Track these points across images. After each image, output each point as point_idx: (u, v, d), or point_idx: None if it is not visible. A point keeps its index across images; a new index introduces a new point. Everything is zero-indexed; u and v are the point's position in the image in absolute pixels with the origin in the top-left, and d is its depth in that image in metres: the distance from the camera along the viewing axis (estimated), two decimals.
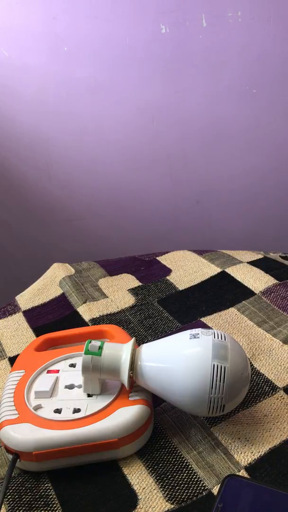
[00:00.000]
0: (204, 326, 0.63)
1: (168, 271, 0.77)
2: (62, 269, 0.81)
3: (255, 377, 0.54)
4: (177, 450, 0.47)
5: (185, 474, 0.45)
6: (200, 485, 0.44)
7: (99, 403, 0.48)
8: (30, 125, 1.41)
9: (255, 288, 0.69)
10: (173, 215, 1.58)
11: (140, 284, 0.75)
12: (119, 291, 0.73)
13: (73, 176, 1.50)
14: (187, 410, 0.47)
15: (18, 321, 0.70)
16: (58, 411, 0.48)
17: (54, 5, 1.27)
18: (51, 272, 0.81)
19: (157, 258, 0.82)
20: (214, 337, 0.46)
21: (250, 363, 0.56)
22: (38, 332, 0.67)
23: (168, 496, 0.43)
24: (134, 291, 0.73)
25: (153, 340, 0.60)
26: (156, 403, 0.52)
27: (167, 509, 0.42)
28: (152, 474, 0.45)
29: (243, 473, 0.44)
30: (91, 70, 1.34)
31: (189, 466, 0.46)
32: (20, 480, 0.46)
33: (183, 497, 0.43)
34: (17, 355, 0.62)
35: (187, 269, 0.77)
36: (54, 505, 0.44)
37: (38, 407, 0.48)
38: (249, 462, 0.45)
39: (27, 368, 0.53)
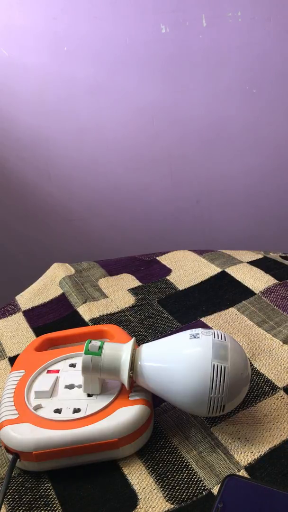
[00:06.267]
0: (204, 326, 0.63)
1: (168, 271, 0.77)
2: (62, 269, 0.81)
3: (255, 377, 0.54)
4: (177, 450, 0.47)
5: (185, 474, 0.45)
6: (200, 485, 0.44)
7: (99, 403, 0.48)
8: (30, 125, 1.41)
9: (255, 288, 0.69)
10: (173, 215, 1.58)
11: (140, 284, 0.75)
12: (119, 291, 0.73)
13: (73, 176, 1.50)
14: (187, 410, 0.47)
15: (18, 321, 0.70)
16: (58, 411, 0.48)
17: (54, 5, 1.27)
18: (51, 272, 0.81)
19: (157, 258, 0.82)
20: (214, 337, 0.46)
21: (250, 363, 0.56)
22: (38, 332, 0.67)
23: (168, 496, 0.43)
24: (134, 291, 0.73)
25: (153, 340, 0.60)
26: (156, 403, 0.52)
27: (167, 509, 0.42)
28: (152, 474, 0.45)
29: (243, 473, 0.44)
30: (91, 70, 1.34)
31: (189, 466, 0.46)
32: (20, 480, 0.46)
33: (183, 497, 0.43)
34: (17, 355, 0.62)
35: (187, 269, 0.77)
36: (54, 505, 0.44)
37: (38, 407, 0.48)
38: (249, 462, 0.45)
39: (27, 368, 0.53)
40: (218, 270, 0.75)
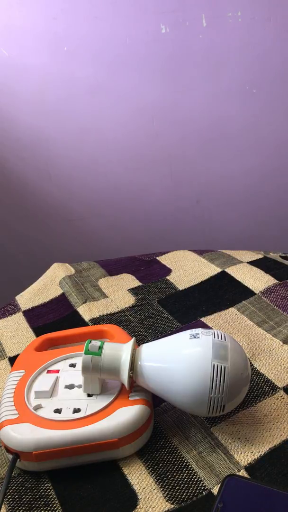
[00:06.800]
0: (204, 326, 0.63)
1: (168, 271, 0.77)
2: (62, 269, 0.81)
3: (255, 377, 0.54)
4: (177, 450, 0.47)
5: (185, 474, 0.45)
6: (200, 485, 0.44)
7: (99, 403, 0.48)
8: (30, 125, 1.41)
9: (255, 288, 0.69)
10: (173, 215, 1.58)
11: (140, 284, 0.75)
12: (119, 291, 0.73)
13: (73, 176, 1.50)
14: (187, 410, 0.47)
15: (18, 321, 0.70)
16: (58, 411, 0.48)
17: (54, 5, 1.27)
18: (51, 272, 0.81)
19: (157, 258, 0.82)
20: (214, 337, 0.46)
21: (250, 363, 0.56)
22: (38, 332, 0.67)
23: (168, 496, 0.43)
24: (134, 291, 0.73)
25: (153, 340, 0.60)
26: (156, 403, 0.52)
27: (167, 509, 0.42)
28: (152, 474, 0.45)
29: (243, 473, 0.44)
30: (91, 70, 1.34)
31: (189, 466, 0.46)
32: (20, 480, 0.46)
33: (183, 497, 0.43)
34: (17, 355, 0.62)
35: (187, 269, 0.77)
36: (54, 505, 0.44)
37: (38, 407, 0.48)
38: (249, 462, 0.45)
39: (27, 368, 0.53)
40: (218, 270, 0.75)
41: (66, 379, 0.51)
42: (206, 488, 0.43)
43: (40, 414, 0.47)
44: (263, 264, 0.75)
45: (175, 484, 0.44)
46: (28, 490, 0.45)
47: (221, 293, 0.70)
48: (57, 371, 0.53)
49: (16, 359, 0.56)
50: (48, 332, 0.60)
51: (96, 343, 0.48)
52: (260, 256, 0.78)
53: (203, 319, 0.64)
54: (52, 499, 0.44)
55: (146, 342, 0.57)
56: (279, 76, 1.38)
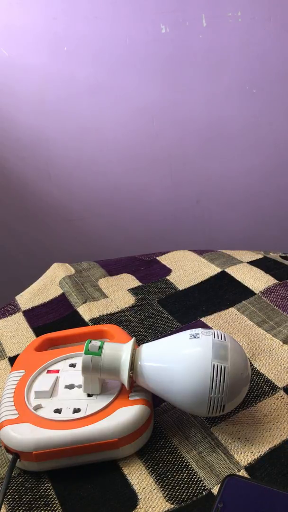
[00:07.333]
0: (204, 326, 0.63)
1: (168, 271, 0.77)
2: (62, 269, 0.81)
3: (255, 377, 0.54)
4: (177, 450, 0.47)
5: (185, 474, 0.45)
6: (200, 485, 0.44)
7: (99, 403, 0.48)
8: (30, 125, 1.41)
9: (255, 288, 0.69)
10: (173, 215, 1.58)
11: (140, 284, 0.75)
12: (119, 291, 0.73)
13: (73, 176, 1.50)
14: (187, 410, 0.47)
15: (18, 321, 0.70)
16: (58, 411, 0.48)
17: (54, 5, 1.27)
18: (51, 272, 0.81)
19: (157, 258, 0.82)
20: (214, 337, 0.46)
21: (250, 363, 0.56)
22: (38, 332, 0.67)
23: (168, 496, 0.43)
24: (134, 291, 0.73)
25: (153, 340, 0.60)
26: (156, 403, 0.52)
27: (167, 509, 0.42)
28: (152, 474, 0.45)
29: (243, 473, 0.44)
30: (91, 70, 1.34)
31: (189, 466, 0.46)
32: (20, 480, 0.46)
33: (183, 497, 0.43)
34: (17, 355, 0.62)
35: (187, 269, 0.77)
36: (54, 505, 0.44)
37: (38, 407, 0.48)
38: (249, 462, 0.45)
39: (27, 368, 0.53)
40: (218, 270, 0.75)
41: (66, 379, 0.51)
42: (206, 488, 0.43)
43: (40, 414, 0.47)
44: (263, 264, 0.75)
45: (175, 484, 0.44)
46: (28, 490, 0.45)
47: (221, 293, 0.70)
48: (57, 371, 0.53)
49: (16, 359, 0.56)
50: (48, 332, 0.60)
51: (96, 343, 0.48)
52: (260, 256, 0.78)
53: (203, 319, 0.64)
54: (52, 499, 0.44)
55: (146, 342, 0.57)
56: (279, 76, 1.38)
